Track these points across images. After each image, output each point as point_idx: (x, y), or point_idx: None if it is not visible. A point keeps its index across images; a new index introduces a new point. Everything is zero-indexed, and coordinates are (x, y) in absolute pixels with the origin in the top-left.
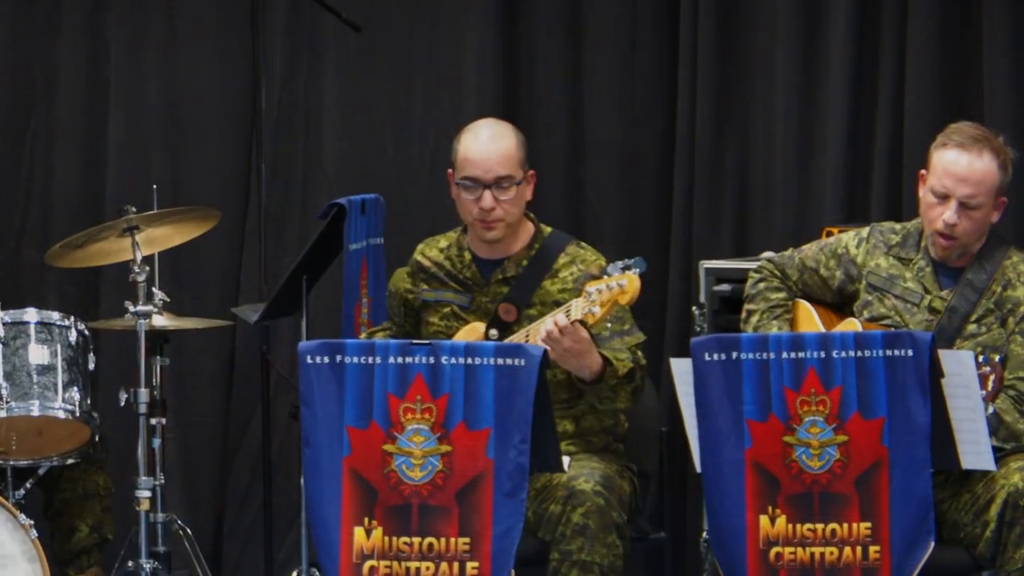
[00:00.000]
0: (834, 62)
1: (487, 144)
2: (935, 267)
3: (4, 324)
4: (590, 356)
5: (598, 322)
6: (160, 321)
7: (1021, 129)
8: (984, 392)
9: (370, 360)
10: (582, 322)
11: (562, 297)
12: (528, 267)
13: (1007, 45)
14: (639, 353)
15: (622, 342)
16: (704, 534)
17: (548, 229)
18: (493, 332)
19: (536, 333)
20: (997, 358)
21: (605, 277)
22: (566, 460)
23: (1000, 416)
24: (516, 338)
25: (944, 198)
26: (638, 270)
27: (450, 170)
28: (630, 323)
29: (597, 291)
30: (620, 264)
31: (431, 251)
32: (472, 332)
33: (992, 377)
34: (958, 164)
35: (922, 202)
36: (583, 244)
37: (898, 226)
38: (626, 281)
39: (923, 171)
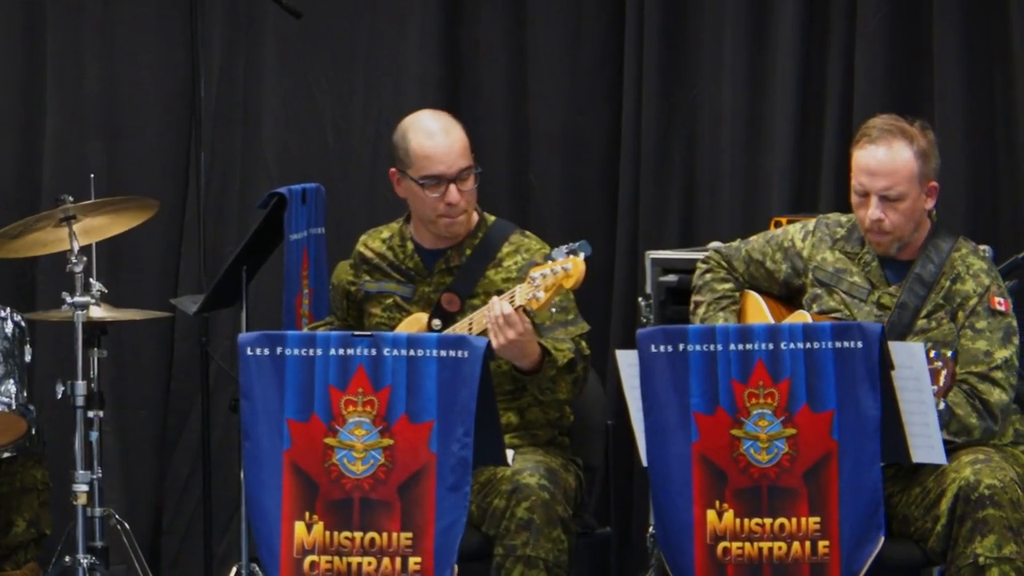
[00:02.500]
0: (782, 51)
1: (444, 138)
2: (881, 261)
3: None
4: (531, 346)
5: (543, 307)
6: (98, 312)
7: (973, 118)
8: (936, 388)
9: (311, 352)
10: (525, 309)
11: (506, 286)
12: (471, 256)
13: (958, 32)
14: (583, 344)
15: (565, 332)
16: (650, 529)
17: (492, 218)
18: (436, 323)
19: (479, 323)
20: (949, 353)
21: (549, 262)
22: (510, 453)
23: (952, 409)
24: (459, 328)
25: (865, 195)
26: (583, 253)
27: (393, 169)
28: (574, 313)
29: (541, 276)
30: (564, 248)
31: (373, 242)
32: (415, 323)
33: (944, 372)
34: (869, 159)
35: (852, 203)
36: (527, 233)
37: (844, 218)
38: (571, 264)
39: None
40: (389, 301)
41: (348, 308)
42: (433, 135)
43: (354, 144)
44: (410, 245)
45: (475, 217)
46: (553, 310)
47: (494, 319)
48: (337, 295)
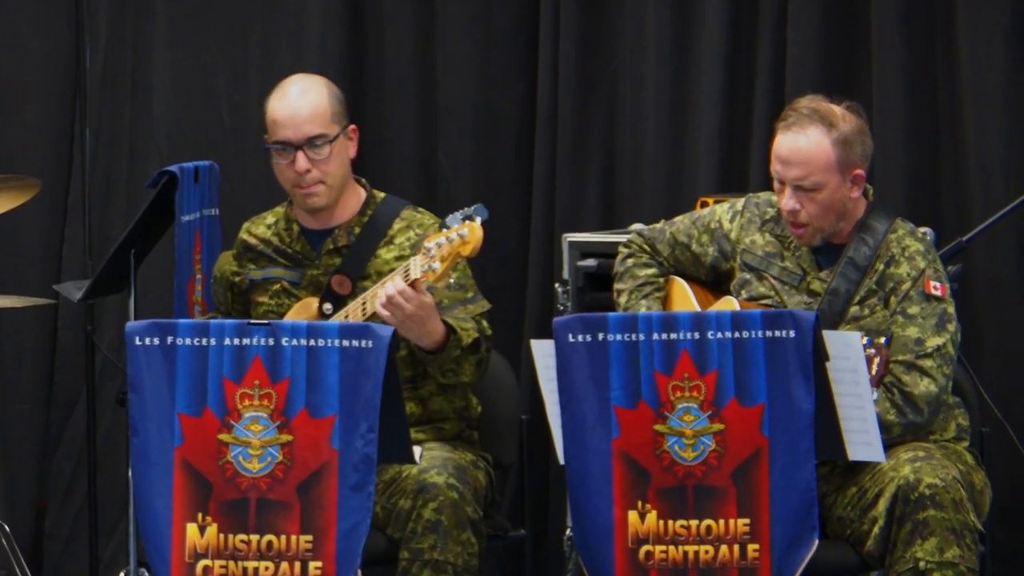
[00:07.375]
0: (709, 20)
1: (294, 102)
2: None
3: None
4: (432, 322)
5: (440, 278)
6: None
7: (913, 91)
8: (869, 376)
9: (204, 342)
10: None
11: (398, 264)
12: (361, 235)
13: None
14: (484, 323)
15: (465, 311)
16: (568, 531)
17: (381, 194)
18: (327, 306)
19: (373, 300)
20: (883, 340)
21: (444, 231)
22: (417, 451)
23: None
24: (352, 309)
25: (781, 183)
26: (480, 218)
27: (266, 136)
28: (473, 291)
29: (436, 245)
30: (459, 214)
31: (257, 228)
32: (305, 309)
33: (877, 360)
34: (782, 146)
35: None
36: (420, 208)
37: (775, 198)
38: (467, 231)
39: None
40: (276, 287)
41: (232, 301)
42: (284, 98)
43: (250, 120)
44: (296, 227)
45: (361, 194)
46: (451, 281)
47: (387, 299)
48: (220, 288)
